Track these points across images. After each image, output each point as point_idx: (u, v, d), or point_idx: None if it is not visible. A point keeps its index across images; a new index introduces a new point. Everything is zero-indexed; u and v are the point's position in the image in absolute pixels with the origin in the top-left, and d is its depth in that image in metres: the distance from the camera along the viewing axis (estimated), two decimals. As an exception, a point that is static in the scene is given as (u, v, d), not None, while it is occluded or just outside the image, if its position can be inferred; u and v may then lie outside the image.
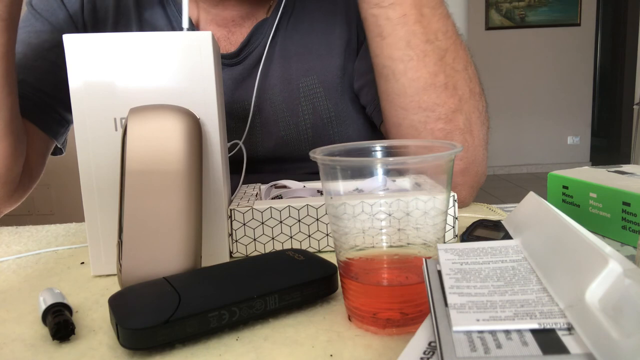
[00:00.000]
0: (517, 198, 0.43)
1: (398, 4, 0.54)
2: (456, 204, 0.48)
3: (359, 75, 0.73)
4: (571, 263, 0.26)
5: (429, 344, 0.25)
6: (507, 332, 0.22)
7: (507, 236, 0.35)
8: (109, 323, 0.36)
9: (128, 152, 0.38)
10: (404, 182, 0.34)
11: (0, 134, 0.55)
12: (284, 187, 0.61)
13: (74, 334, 0.33)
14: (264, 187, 0.60)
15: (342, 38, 0.72)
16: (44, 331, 0.35)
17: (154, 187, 0.38)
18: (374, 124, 0.77)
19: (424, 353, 0.24)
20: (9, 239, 0.60)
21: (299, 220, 0.48)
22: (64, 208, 2.32)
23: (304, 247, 0.48)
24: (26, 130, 0.63)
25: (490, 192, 3.86)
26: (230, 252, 0.48)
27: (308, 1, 0.73)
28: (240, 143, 0.67)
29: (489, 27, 4.58)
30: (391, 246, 0.33)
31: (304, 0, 0.73)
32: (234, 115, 0.72)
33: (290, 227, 0.48)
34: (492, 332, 0.22)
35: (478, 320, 0.23)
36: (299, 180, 0.62)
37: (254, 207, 0.47)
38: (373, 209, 0.32)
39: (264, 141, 0.74)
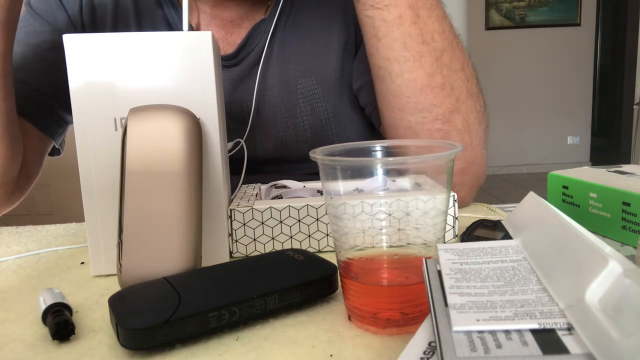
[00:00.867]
0: (517, 198, 0.43)
1: (393, 6, 0.54)
2: (456, 204, 0.48)
3: (357, 76, 0.73)
4: (571, 263, 0.26)
5: (429, 344, 0.25)
6: (507, 332, 0.22)
7: (507, 236, 0.35)
8: (109, 323, 0.36)
9: (128, 152, 0.38)
10: (404, 182, 0.34)
11: None
12: (284, 187, 0.61)
13: (74, 334, 0.33)
14: (264, 187, 0.60)
15: (340, 39, 0.72)
16: (44, 331, 0.35)
17: (154, 187, 0.38)
18: (372, 125, 0.77)
19: (424, 353, 0.24)
20: (9, 239, 0.60)
21: (299, 220, 0.48)
22: (64, 208, 2.32)
23: (304, 247, 0.48)
24: (24, 130, 0.63)
25: (490, 192, 3.86)
26: (230, 252, 0.48)
27: (306, 2, 0.73)
28: (242, 142, 0.67)
29: (489, 27, 4.59)
30: (391, 246, 0.33)
31: (301, 0, 0.73)
32: (232, 116, 0.72)
33: (290, 227, 0.48)
34: (492, 332, 0.22)
35: (478, 320, 0.23)
36: (299, 181, 0.62)
37: (254, 207, 0.47)
38: (373, 209, 0.32)
39: (263, 142, 0.74)
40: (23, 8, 0.66)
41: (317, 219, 0.48)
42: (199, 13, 0.72)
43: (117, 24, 0.70)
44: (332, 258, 0.38)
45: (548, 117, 4.73)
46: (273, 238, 0.48)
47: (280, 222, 0.48)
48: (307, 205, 0.48)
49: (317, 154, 0.33)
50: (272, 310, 0.35)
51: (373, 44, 0.57)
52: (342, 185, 0.32)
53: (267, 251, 0.48)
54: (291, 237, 0.48)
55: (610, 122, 5.78)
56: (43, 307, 0.35)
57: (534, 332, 0.22)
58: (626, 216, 0.44)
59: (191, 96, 0.44)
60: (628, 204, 0.44)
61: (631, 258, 0.38)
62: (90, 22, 0.70)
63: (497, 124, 4.54)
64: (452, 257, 0.30)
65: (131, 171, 0.38)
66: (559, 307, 0.24)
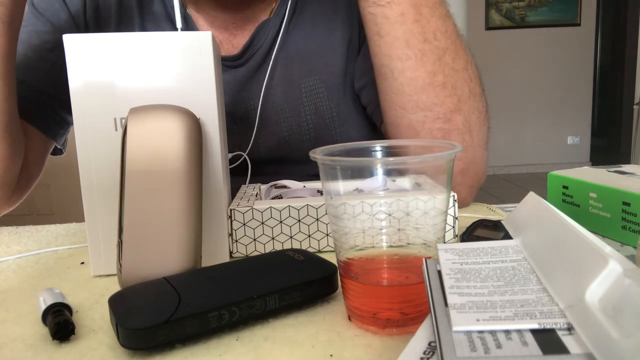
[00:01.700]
0: (517, 198, 0.43)
1: (396, 3, 0.54)
2: (456, 204, 0.48)
3: (359, 75, 0.73)
4: (571, 263, 0.26)
5: (429, 344, 0.25)
6: (507, 332, 0.22)
7: (507, 236, 0.35)
8: (109, 323, 0.36)
9: (128, 152, 0.38)
10: (404, 182, 0.34)
11: None
12: (284, 187, 0.61)
13: (74, 334, 0.33)
14: (264, 187, 0.60)
15: (344, 38, 0.72)
16: (44, 331, 0.35)
17: (154, 187, 0.38)
18: (375, 125, 0.77)
19: (424, 353, 0.24)
20: (9, 239, 0.60)
21: (299, 220, 0.48)
22: (64, 208, 2.32)
23: (304, 247, 0.48)
24: (25, 131, 0.63)
25: (490, 192, 3.86)
26: (230, 252, 0.48)
27: (309, 2, 0.73)
28: (245, 155, 0.67)
29: (489, 27, 4.59)
30: (391, 246, 0.33)
31: (305, 0, 0.73)
32: (236, 117, 0.72)
33: (290, 227, 0.48)
34: (492, 332, 0.22)
35: (478, 320, 0.23)
36: (300, 182, 0.62)
37: (254, 207, 0.47)
38: (373, 209, 0.32)
39: (266, 141, 0.74)
40: (27, 8, 0.66)
41: (317, 219, 0.48)
42: (202, 15, 0.72)
43: (121, 24, 0.70)
44: (332, 258, 0.38)
45: (548, 117, 4.73)
46: (273, 238, 0.48)
47: (280, 222, 0.48)
48: (307, 205, 0.48)
49: (317, 154, 0.33)
50: (272, 310, 0.35)
51: (375, 41, 0.57)
52: (342, 185, 0.32)
53: (267, 251, 0.48)
54: (291, 237, 0.48)
55: (610, 122, 5.78)
56: (43, 307, 0.35)
57: (534, 332, 0.22)
58: (626, 216, 0.44)
59: (191, 96, 0.44)
60: (628, 204, 0.44)
61: (631, 258, 0.38)
62: (94, 22, 0.70)
63: (497, 123, 4.53)
64: (452, 257, 0.30)
65: (131, 171, 0.38)
66: (559, 307, 0.24)
